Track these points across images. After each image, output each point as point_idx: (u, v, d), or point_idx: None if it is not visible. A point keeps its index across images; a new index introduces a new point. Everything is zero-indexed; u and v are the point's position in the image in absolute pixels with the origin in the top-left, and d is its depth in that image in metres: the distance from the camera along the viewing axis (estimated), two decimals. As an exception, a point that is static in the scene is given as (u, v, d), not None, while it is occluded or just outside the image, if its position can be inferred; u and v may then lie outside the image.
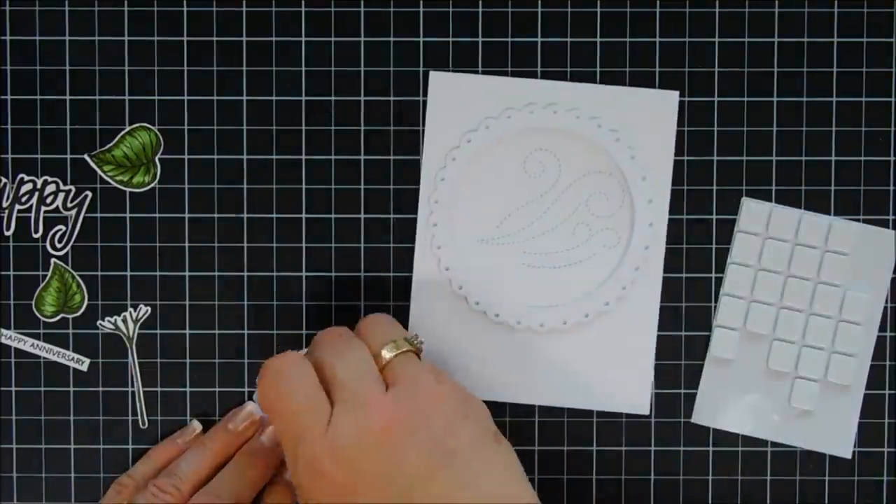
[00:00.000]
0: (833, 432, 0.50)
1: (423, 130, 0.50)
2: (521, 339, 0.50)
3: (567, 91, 0.50)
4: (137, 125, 0.50)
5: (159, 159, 0.50)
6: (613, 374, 0.50)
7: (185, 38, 0.50)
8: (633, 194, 0.49)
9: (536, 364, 0.50)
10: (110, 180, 0.50)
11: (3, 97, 0.50)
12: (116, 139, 0.50)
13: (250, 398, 0.50)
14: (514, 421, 0.50)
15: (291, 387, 0.42)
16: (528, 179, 0.50)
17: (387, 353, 0.43)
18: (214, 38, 0.50)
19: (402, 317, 0.50)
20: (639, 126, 0.49)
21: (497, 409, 0.50)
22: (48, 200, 0.50)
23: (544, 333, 0.50)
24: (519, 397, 0.50)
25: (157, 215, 0.50)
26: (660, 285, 0.50)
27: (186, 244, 0.50)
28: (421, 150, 0.50)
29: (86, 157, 0.50)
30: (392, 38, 0.50)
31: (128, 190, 0.50)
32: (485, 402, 0.50)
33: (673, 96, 0.50)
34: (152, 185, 0.50)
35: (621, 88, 0.50)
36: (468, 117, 0.50)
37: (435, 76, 0.50)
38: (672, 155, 0.50)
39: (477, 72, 0.50)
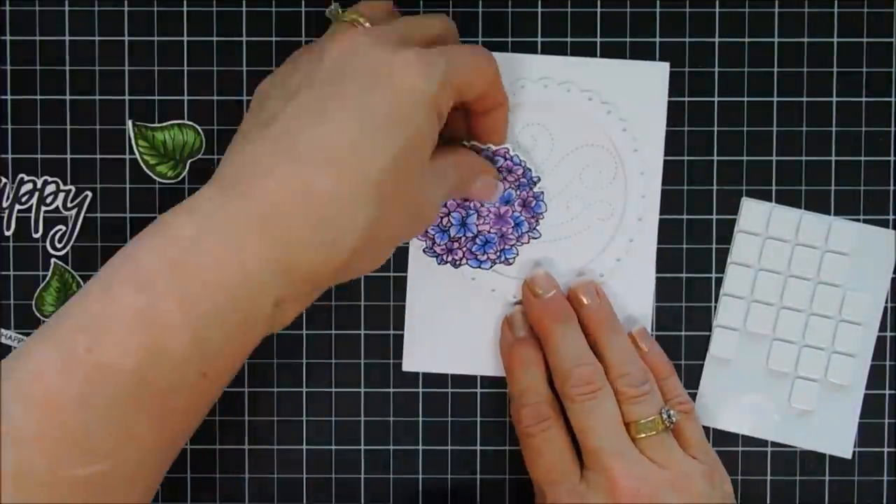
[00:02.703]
0: (833, 432, 0.50)
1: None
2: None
3: (558, 65, 0.50)
4: (190, 123, 0.50)
5: (191, 162, 0.50)
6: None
7: (185, 38, 0.50)
8: (626, 166, 0.50)
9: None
10: (138, 156, 0.50)
11: (3, 97, 0.50)
12: (166, 124, 0.50)
13: None
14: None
15: (545, 447, 0.46)
16: (520, 154, 0.49)
17: (642, 432, 0.46)
18: (214, 39, 0.50)
19: (401, 309, 0.50)
20: (630, 98, 0.50)
21: (494, 389, 0.50)
22: (48, 200, 0.50)
23: None
24: None
25: (156, 215, 0.50)
26: (654, 255, 0.50)
27: (186, 244, 0.50)
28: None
29: (130, 122, 0.49)
30: (392, 38, 0.50)
31: (129, 187, 0.50)
32: (482, 378, 0.50)
33: (664, 67, 0.50)
34: (176, 180, 0.50)
35: (612, 61, 0.50)
36: None
37: None
38: (664, 126, 0.50)
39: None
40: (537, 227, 0.49)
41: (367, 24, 0.41)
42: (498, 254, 0.49)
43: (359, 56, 0.39)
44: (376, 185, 0.38)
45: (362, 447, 0.50)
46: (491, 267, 0.49)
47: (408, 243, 0.50)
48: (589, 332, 0.48)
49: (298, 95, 0.39)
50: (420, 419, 0.51)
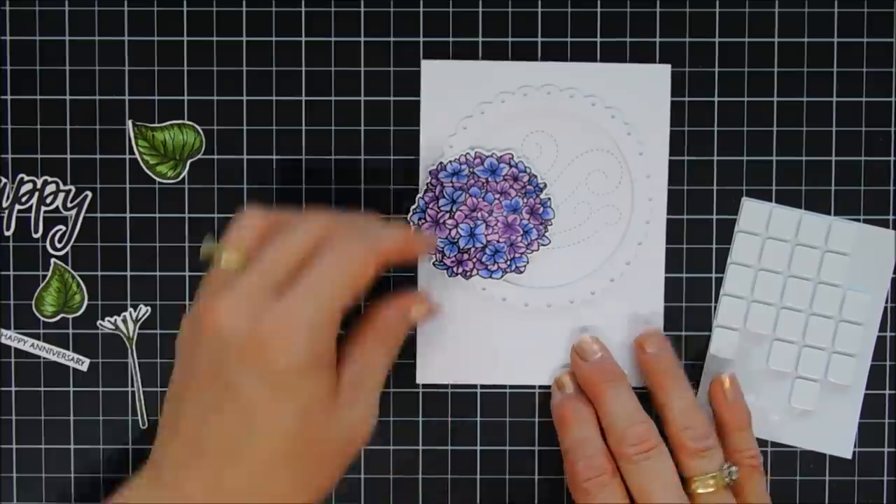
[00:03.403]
0: (833, 432, 0.50)
1: (420, 120, 0.50)
2: (530, 322, 0.50)
3: (561, 71, 0.50)
4: (189, 123, 0.50)
5: (190, 162, 0.50)
6: (623, 349, 0.50)
7: (185, 38, 0.50)
8: (632, 170, 0.50)
9: (545, 346, 0.50)
10: (138, 156, 0.50)
11: (3, 97, 0.50)
12: (165, 124, 0.50)
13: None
14: (513, 421, 0.50)
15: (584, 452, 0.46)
16: (525, 160, 0.50)
17: (701, 488, 0.45)
18: (214, 38, 0.50)
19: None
20: (633, 102, 0.50)
21: (494, 390, 0.50)
22: (48, 200, 0.50)
23: (552, 314, 0.50)
24: (527, 379, 0.50)
25: (156, 215, 0.50)
26: (663, 257, 0.50)
27: (186, 244, 0.50)
28: (419, 138, 0.50)
29: (130, 122, 0.49)
30: (392, 39, 0.50)
31: (129, 187, 0.50)
32: (490, 386, 0.50)
33: (665, 70, 0.50)
34: (176, 180, 0.50)
35: (614, 65, 0.50)
36: (463, 104, 0.50)
37: (427, 65, 0.50)
38: (668, 128, 0.50)
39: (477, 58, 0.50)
40: (546, 234, 0.49)
41: (235, 264, 0.42)
42: (508, 263, 0.49)
43: (227, 343, 0.39)
44: (285, 463, 0.40)
45: (362, 448, 0.50)
46: (502, 276, 0.49)
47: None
48: (651, 379, 0.48)
49: (189, 392, 0.41)
50: (420, 419, 0.51)
